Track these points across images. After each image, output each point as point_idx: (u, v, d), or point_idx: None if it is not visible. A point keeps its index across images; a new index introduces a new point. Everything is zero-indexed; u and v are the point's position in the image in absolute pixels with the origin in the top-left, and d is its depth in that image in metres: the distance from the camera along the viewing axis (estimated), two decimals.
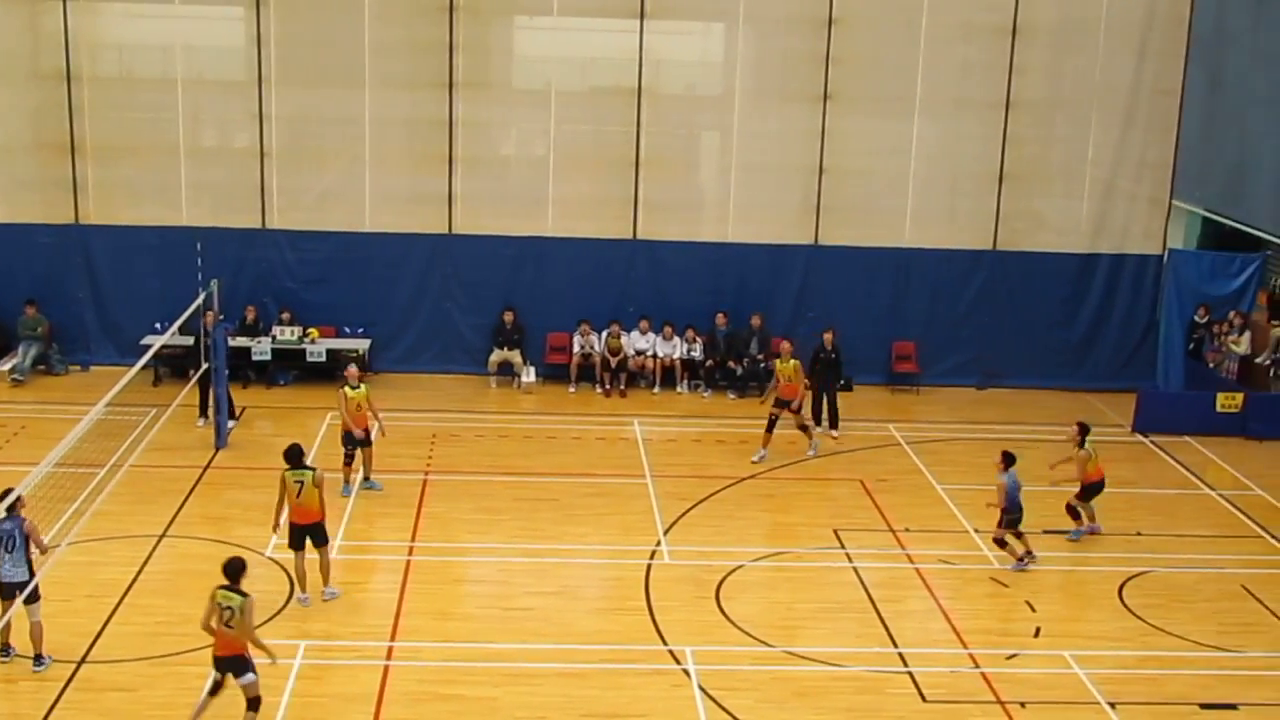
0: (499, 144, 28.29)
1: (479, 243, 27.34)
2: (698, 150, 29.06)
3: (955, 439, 24.95)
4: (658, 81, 27.20)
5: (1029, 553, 19.23)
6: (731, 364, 26.83)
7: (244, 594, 14.22)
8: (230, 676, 14.23)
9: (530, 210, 27.45)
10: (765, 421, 23.25)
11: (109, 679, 15.37)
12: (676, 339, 27.33)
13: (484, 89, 27.15)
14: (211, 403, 23.31)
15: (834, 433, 24.49)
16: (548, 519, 20.68)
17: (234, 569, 14.37)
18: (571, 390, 27.11)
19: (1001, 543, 19.20)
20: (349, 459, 21.01)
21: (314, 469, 17.54)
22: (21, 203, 27.04)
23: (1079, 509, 20.22)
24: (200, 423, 23.73)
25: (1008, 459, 19.10)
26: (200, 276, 22.84)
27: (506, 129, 28.25)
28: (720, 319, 27.21)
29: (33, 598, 15.32)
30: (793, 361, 23.08)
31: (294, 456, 17.52)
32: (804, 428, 23.39)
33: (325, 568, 17.64)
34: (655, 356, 27.25)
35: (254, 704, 14.22)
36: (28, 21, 26.81)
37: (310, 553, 17.49)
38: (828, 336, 24.69)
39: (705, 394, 27.02)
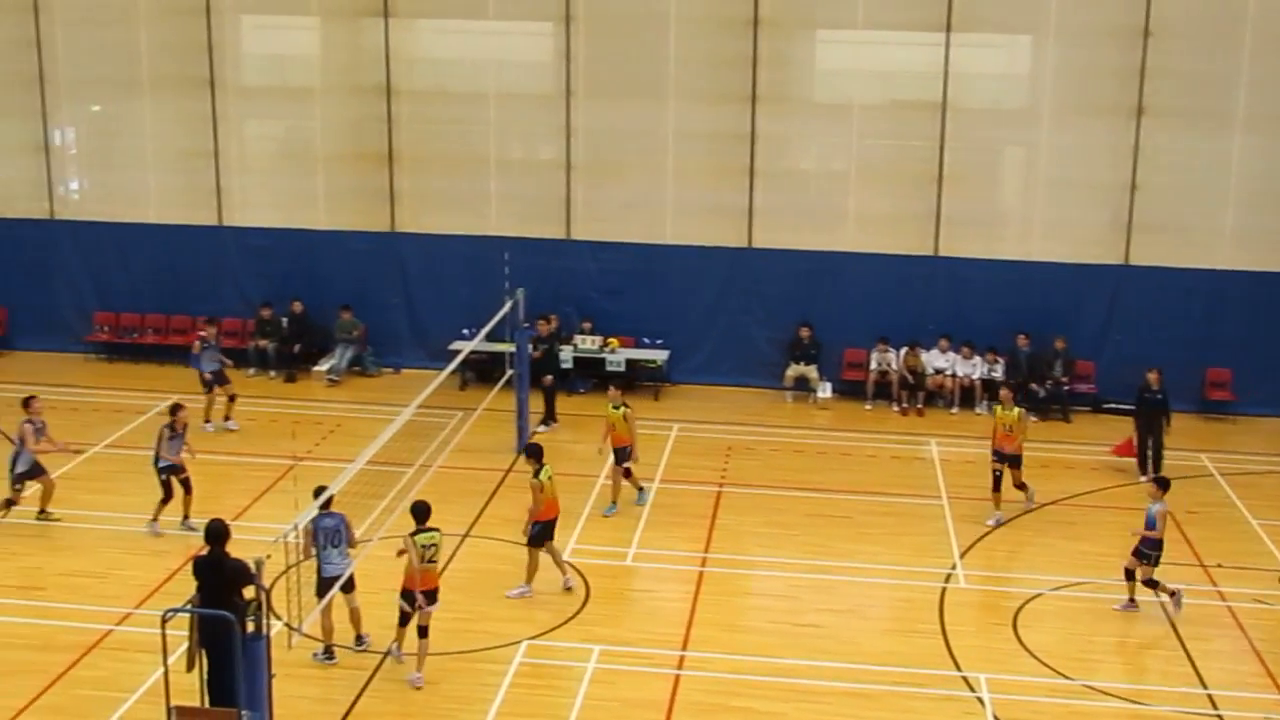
0: (799, 158, 28.24)
1: (777, 256, 27.36)
2: (1001, 165, 28.38)
3: (1274, 471, 23.65)
4: (961, 95, 26.66)
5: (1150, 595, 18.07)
6: (1034, 386, 26.03)
7: (437, 529, 15.90)
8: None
9: (829, 225, 27.32)
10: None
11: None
12: (976, 358, 26.75)
13: (785, 103, 27.15)
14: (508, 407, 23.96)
15: (1145, 478, 23.00)
16: (839, 536, 20.55)
17: (425, 510, 15.87)
18: (868, 407, 26.81)
19: (1152, 584, 17.96)
20: (626, 473, 21.28)
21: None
22: (341, 210, 28.41)
23: None
24: (543, 428, 24.45)
25: (1162, 485, 18.16)
26: (507, 285, 23.53)
27: (806, 143, 28.16)
28: (1022, 340, 26.48)
29: (349, 586, 16.20)
30: (1016, 410, 21.24)
31: (537, 454, 18.25)
32: (1021, 485, 21.32)
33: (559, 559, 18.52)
34: (954, 376, 26.74)
35: (426, 630, 15.79)
36: (351, 39, 28.19)
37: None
38: (1152, 376, 23.35)
39: None
